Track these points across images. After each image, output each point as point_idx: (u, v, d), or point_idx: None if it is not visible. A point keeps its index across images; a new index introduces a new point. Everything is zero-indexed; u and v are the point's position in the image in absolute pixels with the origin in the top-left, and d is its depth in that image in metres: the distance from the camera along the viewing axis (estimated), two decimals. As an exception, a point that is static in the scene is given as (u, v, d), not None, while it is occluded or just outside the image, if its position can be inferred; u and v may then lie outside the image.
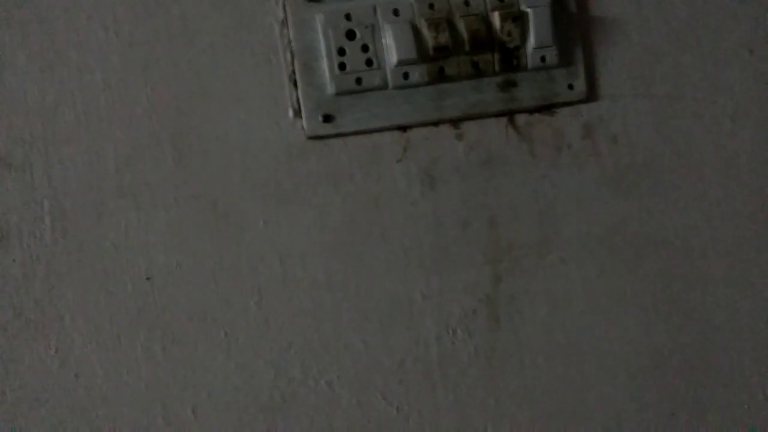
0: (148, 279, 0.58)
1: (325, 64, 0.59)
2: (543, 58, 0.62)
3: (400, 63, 0.59)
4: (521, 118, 0.63)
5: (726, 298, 0.67)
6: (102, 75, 0.58)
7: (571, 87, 0.63)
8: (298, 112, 0.60)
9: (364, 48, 0.59)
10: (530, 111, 0.63)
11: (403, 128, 0.62)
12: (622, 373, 0.66)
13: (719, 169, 0.66)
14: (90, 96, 0.58)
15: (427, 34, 0.59)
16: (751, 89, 0.66)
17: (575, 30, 0.63)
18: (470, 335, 0.63)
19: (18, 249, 0.57)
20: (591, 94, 0.64)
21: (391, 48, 0.59)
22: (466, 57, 0.61)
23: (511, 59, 0.62)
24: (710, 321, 0.67)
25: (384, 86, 0.60)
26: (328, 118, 0.60)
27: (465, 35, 0.60)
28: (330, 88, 0.59)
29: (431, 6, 0.60)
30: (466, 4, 0.60)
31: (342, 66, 0.59)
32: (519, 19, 0.61)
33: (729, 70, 0.66)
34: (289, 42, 0.59)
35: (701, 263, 0.66)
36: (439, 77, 0.61)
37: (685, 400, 0.67)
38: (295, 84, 0.60)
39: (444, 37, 0.59)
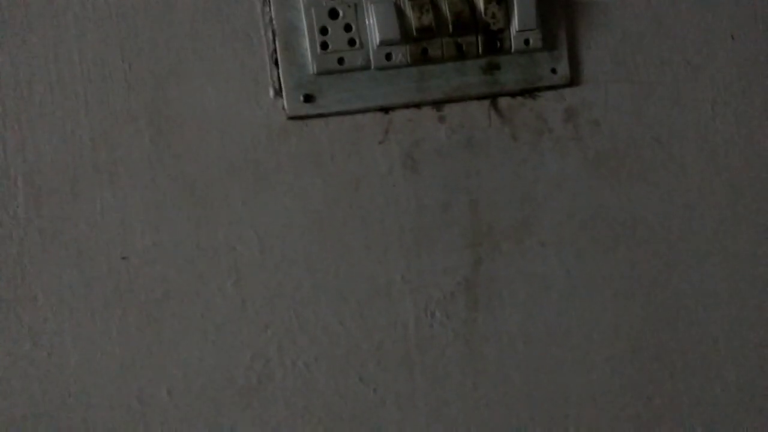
0: (123, 258, 0.57)
1: (306, 43, 0.58)
2: (527, 41, 0.61)
3: (383, 43, 0.58)
4: (504, 102, 0.63)
5: (704, 282, 0.67)
6: (78, 49, 0.56)
7: (554, 71, 0.63)
8: (278, 92, 0.59)
9: (347, 27, 0.58)
10: (513, 94, 0.63)
11: (385, 109, 0.61)
12: (600, 356, 0.66)
13: (699, 155, 0.66)
14: (65, 70, 0.56)
15: (410, 14, 0.58)
16: (733, 75, 0.66)
17: (559, 13, 0.63)
18: (449, 318, 0.63)
19: (-10, 226, 0.56)
20: (574, 79, 0.64)
21: (374, 28, 0.58)
22: (449, 39, 0.60)
23: (494, 42, 0.61)
24: (687, 305, 0.67)
25: (366, 67, 0.59)
26: (309, 98, 0.59)
27: (449, 17, 0.59)
28: (311, 68, 0.59)
29: (415, -14, 0.59)
30: (450, -16, 0.60)
31: (324, 45, 0.58)
32: (503, 1, 0.60)
33: (711, 56, 0.66)
34: (271, 20, 0.58)
35: (679, 248, 0.67)
36: (422, 59, 0.60)
37: (661, 384, 0.67)
38: (276, 63, 0.59)
39: (427, 18, 0.59)
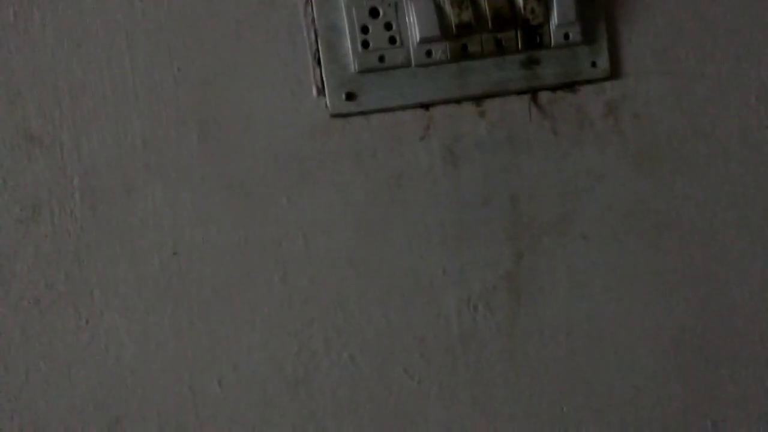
0: (174, 254, 0.59)
1: (348, 42, 0.60)
2: (566, 36, 0.61)
3: (423, 40, 0.59)
4: (544, 96, 0.63)
5: (747, 276, 0.67)
6: (129, 53, 0.59)
7: (594, 64, 0.63)
8: (321, 91, 0.60)
9: (387, 26, 0.60)
10: (553, 89, 0.63)
11: (426, 106, 0.62)
12: (642, 350, 0.66)
13: (742, 148, 0.66)
14: (117, 74, 0.58)
15: (450, 11, 0.59)
16: (777, 67, 0.65)
17: (598, 7, 0.63)
18: (491, 311, 0.63)
19: (49, 224, 0.58)
20: (614, 72, 0.64)
21: (414, 25, 0.59)
22: (488, 34, 0.61)
23: (534, 37, 0.61)
24: (731, 299, 0.67)
25: (407, 64, 0.60)
26: (351, 96, 0.60)
27: (488, 12, 0.60)
28: (353, 66, 0.60)
29: (454, -17, 0.60)
30: (489, -19, 0.60)
31: (365, 44, 0.59)
32: (542, -5, 0.60)
33: (754, 47, 0.65)
34: (313, 20, 0.60)
35: (722, 241, 0.66)
36: (462, 55, 0.61)
37: (705, 378, 0.67)
38: (318, 62, 0.60)
39: (467, 15, 0.59)
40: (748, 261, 0.67)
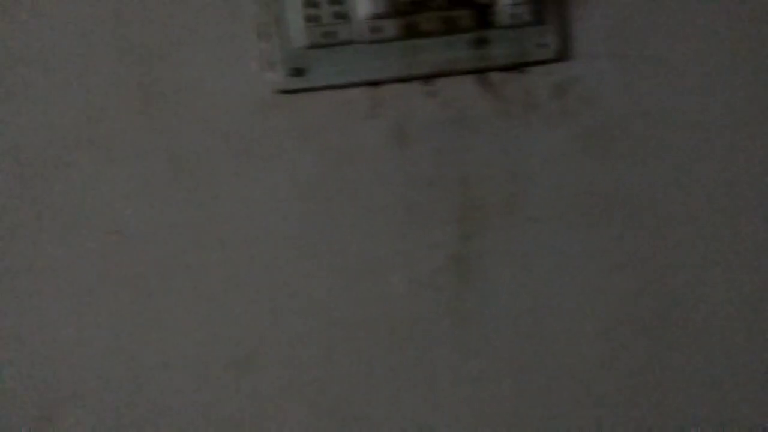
0: (114, 233, 0.57)
1: (295, 16, 0.58)
2: (516, 15, 0.61)
3: (372, 16, 0.58)
4: (494, 76, 0.63)
5: (692, 258, 0.68)
6: (70, 21, 0.56)
7: (544, 45, 0.63)
8: (267, 66, 0.59)
9: (335, 1, 0.58)
10: (503, 69, 0.63)
11: (375, 84, 0.61)
12: (588, 331, 0.67)
13: (689, 132, 0.66)
14: (56, 43, 0.56)
15: (399, -13, 0.58)
16: (726, 53, 0.66)
17: (550, -13, 0.62)
18: (438, 292, 0.63)
19: (-21, 200, 0.56)
20: (564, 54, 0.63)
21: (363, 1, 0.58)
22: (439, 12, 0.60)
23: (484, 16, 0.61)
24: (676, 281, 0.68)
25: (355, 40, 0.59)
26: (297, 72, 0.59)
27: (438, -10, 0.59)
28: (300, 41, 0.58)
29: (404, -41, 0.59)
30: (440, -43, 0.59)
31: (312, 18, 0.58)
32: (493, -26, 0.60)
33: (704, 32, 0.65)
34: (259, -7, 0.58)
35: (669, 224, 0.67)
36: (412, 33, 0.60)
37: (650, 359, 0.68)
38: (264, 36, 0.58)
39: (417, -9, 0.58)
40: (693, 243, 0.67)
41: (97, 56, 0.56)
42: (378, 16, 0.58)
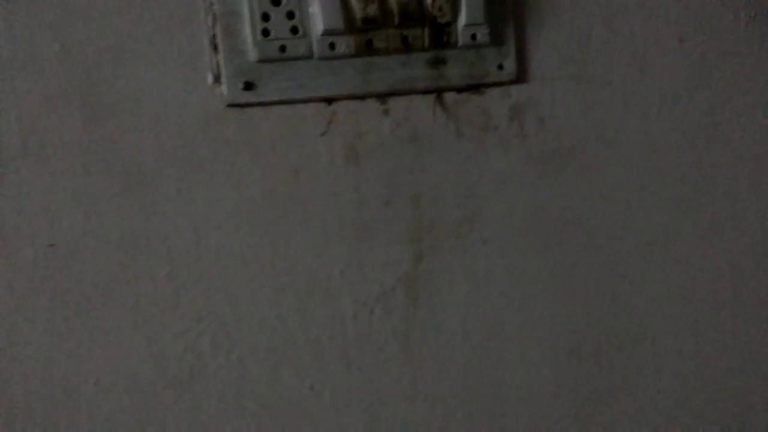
0: (51, 246, 0.55)
1: (248, 29, 0.57)
2: (474, 36, 0.61)
3: (327, 32, 0.57)
4: (449, 97, 0.62)
5: (644, 282, 0.68)
6: (7, 26, 0.54)
7: (501, 67, 0.62)
8: (218, 78, 0.57)
9: (290, 14, 0.57)
10: (459, 89, 0.62)
11: (328, 100, 0.60)
12: (539, 354, 0.66)
13: (643, 156, 0.67)
14: (-7, 48, 0.54)
15: (355, 4, 0.57)
16: (679, 78, 0.66)
17: (508, 9, 0.62)
18: (388, 314, 0.62)
19: None
20: (521, 76, 0.63)
21: (318, 16, 0.57)
22: (395, 30, 0.59)
23: (441, 35, 0.60)
24: (627, 305, 0.68)
25: (309, 56, 0.58)
26: (249, 86, 0.58)
27: (395, 8, 0.58)
28: (252, 55, 0.57)
29: (361, -25, 0.58)
30: (398, -25, 0.59)
31: (266, 32, 0.57)
32: (451, -6, 0.59)
33: (658, 57, 0.66)
34: (211, 4, 0.57)
35: (621, 248, 0.67)
36: (367, 50, 0.59)
37: (599, 383, 0.68)
38: (215, 48, 0.57)
39: (373, 9, 0.57)
40: (645, 267, 0.68)
41: (38, 64, 0.54)
42: (333, 33, 0.57)
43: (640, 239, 0.67)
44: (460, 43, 0.61)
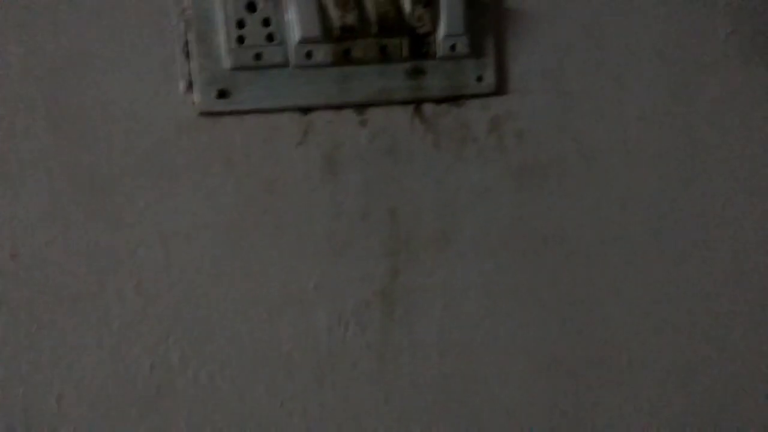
0: (12, 257, 0.53)
1: (222, 36, 0.55)
2: (453, 47, 0.60)
3: (303, 41, 0.56)
4: (428, 108, 0.61)
5: (622, 298, 0.67)
6: (-31, 29, 0.52)
7: (480, 79, 0.61)
8: (190, 86, 0.56)
9: (265, 22, 0.56)
10: (438, 101, 0.61)
11: (305, 110, 0.58)
12: (515, 369, 0.65)
13: (622, 170, 0.66)
14: (-46, 51, 0.52)
15: (333, 12, 0.56)
16: (659, 91, 0.66)
17: (488, 21, 0.61)
18: (363, 329, 0.61)
19: None
20: (500, 88, 0.62)
21: (294, 24, 0.56)
22: (373, 40, 0.58)
23: (420, 46, 0.59)
24: (605, 320, 0.67)
25: (285, 64, 0.57)
26: (223, 94, 0.56)
27: (373, 17, 0.57)
28: (227, 62, 0.56)
29: (340, -17, 0.56)
30: (377, -17, 0.57)
31: (240, 39, 0.55)
32: (431, 4, 0.58)
33: (637, 71, 0.66)
34: (184, 9, 0.55)
35: (599, 262, 0.66)
36: (345, 59, 0.58)
37: (576, 399, 0.67)
38: (188, 55, 0.55)
39: (351, 17, 0.56)
40: (625, 283, 0.67)
41: (3, 69, 0.52)
42: (310, 41, 0.56)
43: (619, 253, 0.67)
44: (440, 53, 0.60)
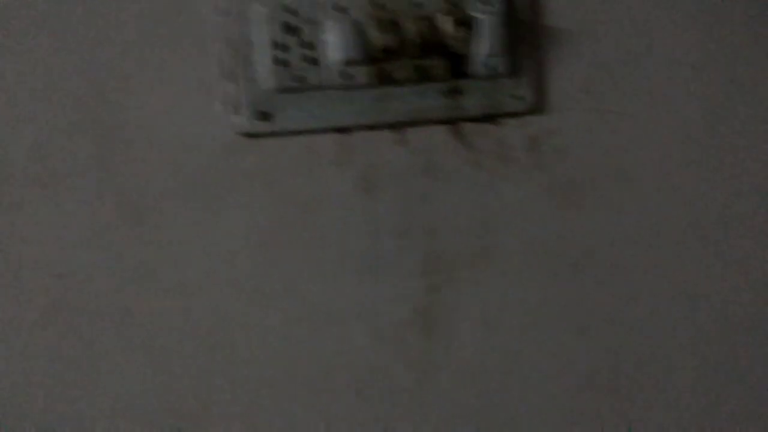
0: (59, 277, 0.54)
1: (263, 59, 0.56)
2: (491, 66, 0.60)
3: (343, 62, 0.56)
4: (466, 127, 0.61)
5: (663, 317, 0.67)
6: (19, 58, 0.53)
7: (518, 98, 0.61)
8: (232, 108, 0.56)
9: (306, 44, 0.56)
10: (476, 120, 0.61)
11: (343, 130, 0.59)
12: (555, 389, 0.65)
13: (663, 189, 0.65)
14: (4, 80, 0.53)
15: (373, 33, 0.56)
16: (698, 110, 0.65)
17: (526, 39, 0.61)
18: (402, 346, 0.61)
19: None
20: (538, 106, 0.62)
21: (335, 46, 0.56)
22: (412, 60, 0.58)
23: (459, 66, 0.59)
24: (645, 339, 0.66)
25: (325, 85, 0.57)
26: (264, 116, 0.57)
27: (413, 38, 0.57)
28: (268, 84, 0.56)
29: (380, 5, 0.57)
30: (417, 6, 0.58)
31: (281, 62, 0.56)
32: (470, 24, 0.58)
33: (676, 89, 0.65)
34: (227, 33, 0.56)
35: (640, 281, 0.66)
36: (384, 80, 0.58)
37: (617, 418, 0.66)
38: (230, 78, 0.56)
39: (390, 39, 0.57)
40: (662, 302, 0.66)
41: (49, 93, 0.53)
42: (350, 63, 0.57)
43: (659, 273, 0.66)
44: (478, 73, 0.60)
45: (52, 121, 0.54)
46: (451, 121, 0.61)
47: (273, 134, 0.57)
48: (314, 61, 0.57)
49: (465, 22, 0.58)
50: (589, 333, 0.65)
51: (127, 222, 0.55)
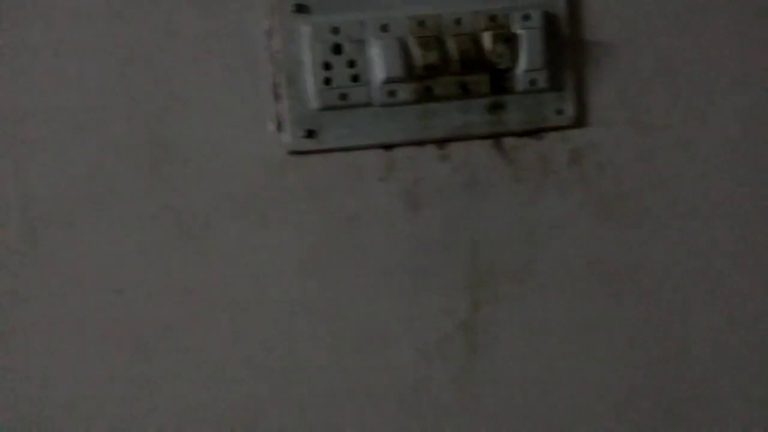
0: (118, 292, 0.56)
1: (309, 78, 0.58)
2: (533, 82, 0.60)
3: (387, 80, 0.58)
4: (508, 142, 0.62)
5: (707, 331, 0.66)
6: (78, 77, 0.56)
7: (560, 112, 0.62)
8: (280, 126, 0.58)
9: (351, 63, 0.58)
10: (518, 134, 0.62)
11: (387, 147, 0.60)
12: (599, 404, 0.65)
13: (705, 202, 0.65)
14: (64, 99, 0.56)
15: (416, 51, 0.58)
16: (739, 123, 0.65)
17: (567, 54, 0.62)
18: (446, 361, 0.62)
19: (-17, 256, 0.55)
20: (580, 120, 0.63)
21: (379, 64, 0.57)
22: (454, 77, 0.59)
23: (500, 81, 0.60)
24: (689, 354, 0.66)
25: (369, 103, 0.58)
26: (310, 134, 0.58)
27: (455, 55, 0.58)
28: (314, 103, 0.58)
29: (421, 23, 0.58)
30: (458, 23, 0.59)
31: (327, 80, 0.58)
32: (510, 40, 0.59)
33: (718, 100, 0.65)
34: (274, 53, 0.58)
35: (683, 295, 0.65)
36: (426, 96, 0.59)
37: (661, 432, 0.66)
38: (278, 97, 0.58)
39: (433, 56, 0.58)
40: (708, 317, 0.66)
41: (106, 113, 0.56)
42: (393, 80, 0.58)
43: (702, 287, 0.66)
44: (520, 88, 0.60)
45: (108, 142, 0.56)
46: (493, 136, 0.61)
47: (319, 151, 0.59)
48: (359, 80, 0.58)
49: (506, 38, 0.59)
50: (633, 349, 0.65)
51: (181, 239, 0.57)
